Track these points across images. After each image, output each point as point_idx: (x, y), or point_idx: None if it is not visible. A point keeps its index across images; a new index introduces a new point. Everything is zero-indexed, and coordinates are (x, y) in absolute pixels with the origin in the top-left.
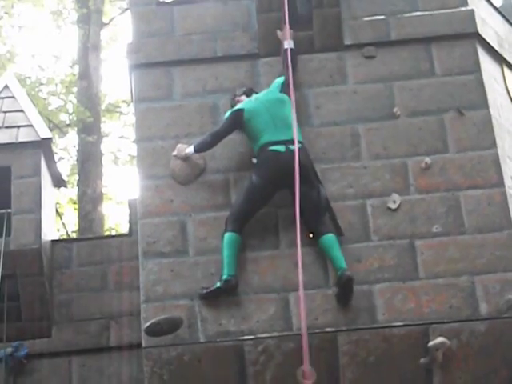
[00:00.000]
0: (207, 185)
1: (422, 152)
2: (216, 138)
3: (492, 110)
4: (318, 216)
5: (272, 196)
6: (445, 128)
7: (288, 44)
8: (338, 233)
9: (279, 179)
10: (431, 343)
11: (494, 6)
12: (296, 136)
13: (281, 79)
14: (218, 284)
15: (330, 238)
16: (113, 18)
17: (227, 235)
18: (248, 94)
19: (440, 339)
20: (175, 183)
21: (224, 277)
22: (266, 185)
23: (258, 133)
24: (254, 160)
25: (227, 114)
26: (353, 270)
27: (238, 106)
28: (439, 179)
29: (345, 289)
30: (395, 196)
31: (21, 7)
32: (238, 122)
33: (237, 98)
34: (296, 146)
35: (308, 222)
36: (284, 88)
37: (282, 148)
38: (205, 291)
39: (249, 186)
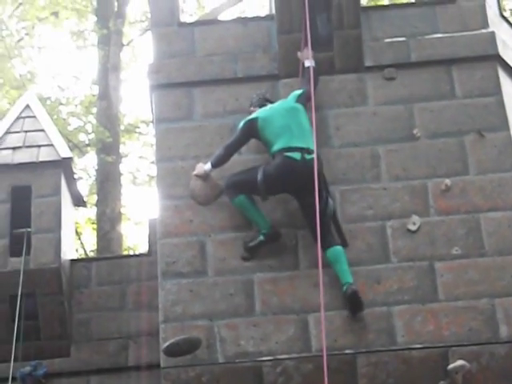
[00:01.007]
0: (226, 205)
1: (442, 174)
2: (230, 150)
3: None
4: (325, 227)
5: (271, 194)
6: (465, 150)
7: (310, 62)
8: (343, 244)
9: (288, 186)
10: (451, 366)
11: None
12: (315, 146)
13: (299, 91)
14: (262, 237)
15: (337, 251)
16: (132, 40)
17: (238, 199)
18: (261, 104)
19: (460, 362)
20: (195, 203)
21: (264, 230)
22: (270, 186)
23: (274, 138)
24: (271, 160)
25: (241, 124)
26: (372, 291)
27: (252, 116)
28: (459, 201)
29: (352, 302)
30: (415, 218)
31: (41, 28)
32: (251, 131)
33: (251, 109)
34: (315, 158)
35: (321, 229)
36: (301, 99)
37: (297, 156)
38: (250, 244)
39: (257, 174)
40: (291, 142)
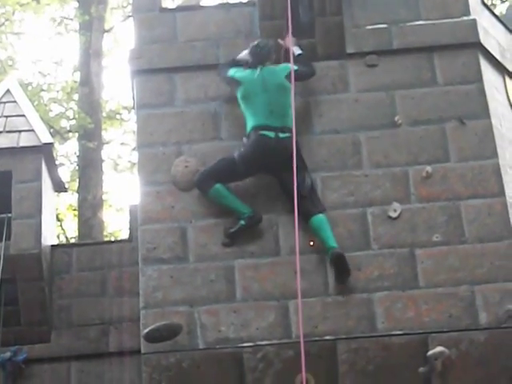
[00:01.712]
0: None
1: (423, 161)
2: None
3: (493, 120)
4: (305, 199)
5: (250, 174)
6: (446, 137)
7: (297, 50)
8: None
9: (263, 164)
10: (430, 352)
11: (496, 16)
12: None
13: (289, 67)
14: (243, 222)
15: (319, 219)
16: (114, 26)
17: (212, 190)
18: (257, 60)
19: (439, 348)
20: (176, 189)
21: (246, 215)
22: (247, 166)
23: (253, 113)
24: (244, 140)
25: (230, 72)
26: (353, 278)
27: (239, 75)
28: (440, 188)
29: (337, 266)
30: (396, 205)
31: (22, 14)
32: (233, 87)
33: (244, 53)
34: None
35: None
36: (290, 77)
37: (271, 134)
38: (231, 230)
39: (230, 159)
40: (268, 121)
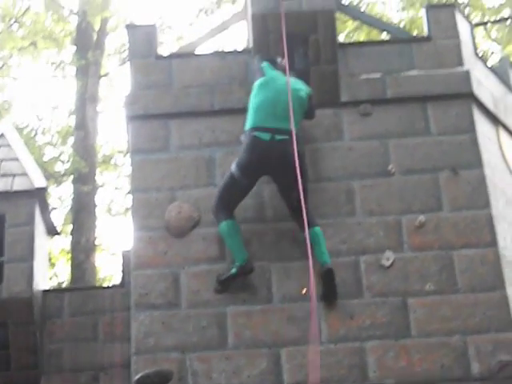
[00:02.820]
0: (201, 237)
1: (417, 210)
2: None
3: (486, 170)
4: (299, 209)
5: (255, 181)
6: (439, 186)
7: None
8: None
9: (260, 167)
10: None
11: (489, 68)
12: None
13: (309, 92)
14: (233, 270)
15: (315, 233)
16: (110, 71)
17: (224, 224)
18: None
19: None
20: (169, 235)
21: (238, 263)
22: (247, 175)
23: (255, 109)
24: (242, 138)
25: (263, 64)
26: (345, 326)
27: (267, 68)
28: (433, 237)
29: (326, 281)
30: (389, 253)
31: (19, 58)
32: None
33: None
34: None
35: (293, 214)
36: (309, 99)
37: (266, 136)
38: (222, 277)
39: (232, 173)
40: (265, 121)
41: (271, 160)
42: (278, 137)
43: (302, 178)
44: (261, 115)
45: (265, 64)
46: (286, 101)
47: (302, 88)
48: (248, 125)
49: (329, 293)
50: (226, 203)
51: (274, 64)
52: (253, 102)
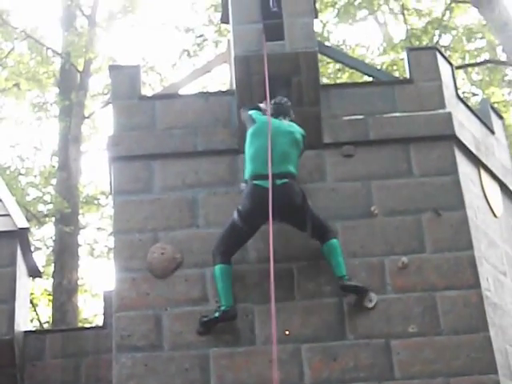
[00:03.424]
0: (184, 279)
1: (399, 251)
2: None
3: (469, 212)
4: (317, 228)
5: (256, 228)
6: (422, 228)
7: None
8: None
9: (260, 215)
10: None
11: (471, 109)
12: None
13: (303, 134)
14: (217, 314)
15: (330, 245)
16: (94, 112)
17: (218, 267)
18: (276, 113)
19: None
20: (152, 276)
21: (222, 308)
22: (249, 220)
23: (253, 157)
24: (243, 186)
25: (250, 112)
26: (328, 368)
27: (257, 116)
28: (416, 279)
29: (351, 293)
30: (372, 295)
31: (3, 99)
32: (247, 126)
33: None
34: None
35: (313, 236)
36: (303, 144)
37: (266, 184)
38: (204, 319)
39: (235, 218)
40: (264, 167)
41: (274, 205)
42: (279, 181)
43: (309, 212)
44: (258, 163)
45: (252, 112)
46: (281, 144)
47: (297, 130)
48: (247, 174)
49: (359, 296)
50: (226, 248)
51: (260, 110)
52: (249, 150)
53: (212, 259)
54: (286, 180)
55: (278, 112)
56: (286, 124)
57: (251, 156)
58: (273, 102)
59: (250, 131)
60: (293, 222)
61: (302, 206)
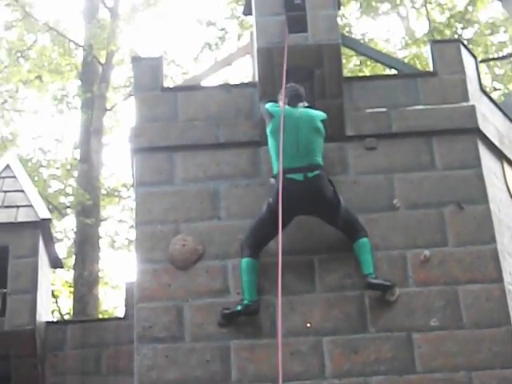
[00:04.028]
0: (205, 270)
1: (421, 244)
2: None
3: (492, 205)
4: (348, 225)
5: (288, 223)
6: (444, 221)
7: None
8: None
9: (295, 208)
10: None
11: (494, 103)
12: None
13: (324, 118)
14: (239, 308)
15: (361, 243)
16: (116, 104)
17: (244, 261)
18: (292, 102)
19: None
20: (173, 268)
21: (245, 302)
22: (283, 211)
23: (279, 153)
24: (272, 180)
25: (267, 106)
26: (350, 361)
27: (273, 109)
28: (438, 272)
29: (377, 290)
30: (394, 288)
31: (25, 91)
32: (266, 121)
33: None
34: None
35: (343, 232)
36: (324, 126)
37: (299, 176)
38: (226, 312)
39: (265, 212)
40: (294, 161)
41: (308, 198)
42: (310, 174)
43: (340, 204)
44: (286, 157)
45: (269, 105)
46: (305, 134)
47: (316, 115)
48: (277, 168)
49: (385, 294)
50: (254, 241)
51: (276, 102)
52: (274, 145)
53: (240, 251)
54: (317, 172)
55: (294, 100)
56: (304, 111)
57: (278, 151)
58: (286, 90)
59: (269, 128)
60: (324, 215)
61: (333, 199)
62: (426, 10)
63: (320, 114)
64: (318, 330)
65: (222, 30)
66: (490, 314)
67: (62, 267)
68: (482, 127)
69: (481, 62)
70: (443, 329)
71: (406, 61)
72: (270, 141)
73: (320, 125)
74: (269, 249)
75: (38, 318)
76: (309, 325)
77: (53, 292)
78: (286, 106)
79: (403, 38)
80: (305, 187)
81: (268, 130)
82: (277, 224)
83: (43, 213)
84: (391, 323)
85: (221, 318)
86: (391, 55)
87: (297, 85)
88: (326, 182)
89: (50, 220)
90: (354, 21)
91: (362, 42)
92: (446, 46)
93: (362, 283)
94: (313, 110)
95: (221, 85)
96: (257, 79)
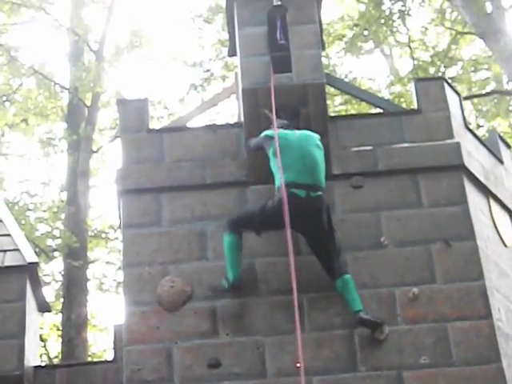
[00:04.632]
0: (193, 312)
1: (410, 282)
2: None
3: (479, 242)
4: (333, 258)
5: (269, 230)
6: (432, 258)
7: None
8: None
9: (292, 222)
10: None
11: (479, 139)
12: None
13: (319, 137)
14: (226, 286)
15: (344, 280)
16: (102, 146)
17: (229, 236)
18: (287, 127)
19: None
20: (161, 310)
21: (230, 279)
22: (273, 222)
23: (284, 168)
24: (275, 192)
25: (262, 135)
26: None
27: (271, 134)
28: (427, 310)
29: (366, 327)
30: (383, 326)
31: (11, 135)
32: (266, 147)
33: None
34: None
35: (324, 265)
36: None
37: (302, 193)
38: (213, 291)
39: (262, 209)
40: (299, 177)
41: (306, 216)
42: (313, 194)
43: (334, 232)
44: (292, 172)
45: (266, 132)
46: (311, 156)
47: (314, 134)
48: (280, 181)
49: (374, 331)
50: (242, 224)
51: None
52: (281, 159)
53: (224, 227)
54: (320, 193)
55: (288, 127)
56: (302, 132)
57: (285, 165)
58: (278, 124)
59: (271, 150)
60: (314, 236)
61: (328, 225)
62: (410, 48)
63: (316, 136)
64: (307, 369)
65: (208, 71)
66: (479, 350)
67: (49, 311)
68: (467, 164)
69: (465, 99)
70: (433, 366)
71: (390, 99)
72: (274, 160)
73: (319, 142)
74: (256, 289)
75: (26, 362)
76: (298, 365)
77: (41, 336)
78: (284, 130)
79: (388, 76)
80: (304, 205)
81: (270, 152)
82: (266, 226)
83: (30, 256)
84: (381, 362)
85: (209, 289)
86: (375, 94)
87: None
88: (324, 205)
89: (37, 264)
90: (338, 60)
91: (346, 80)
92: (429, 83)
93: (351, 322)
94: (308, 131)
95: (207, 126)
96: (242, 119)
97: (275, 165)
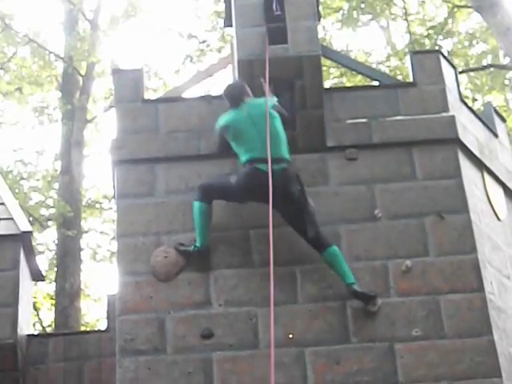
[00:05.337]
0: (187, 282)
1: (403, 255)
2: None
3: (472, 215)
4: (315, 228)
5: (242, 202)
6: (425, 231)
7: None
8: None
9: (258, 197)
10: None
11: (474, 113)
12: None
13: (274, 101)
14: (192, 248)
15: (332, 253)
16: (96, 116)
17: (199, 203)
18: (235, 103)
19: None
20: (155, 280)
21: (197, 245)
22: (242, 194)
23: (246, 149)
24: (241, 169)
25: (216, 130)
26: (332, 372)
27: (223, 122)
28: (419, 283)
29: (359, 300)
30: (376, 299)
31: (5, 103)
32: (225, 137)
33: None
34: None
35: (305, 237)
36: (276, 109)
37: (265, 167)
38: (181, 248)
39: (228, 182)
40: (261, 153)
41: (273, 190)
42: (276, 167)
43: (307, 202)
44: (254, 151)
45: (216, 127)
46: (262, 124)
47: (262, 103)
48: (244, 160)
49: (368, 303)
50: (213, 193)
51: (235, 101)
52: (238, 146)
53: (196, 193)
54: (283, 165)
55: (234, 100)
56: (248, 105)
57: (245, 150)
58: (223, 93)
59: (230, 138)
60: (287, 211)
61: (298, 196)
62: (407, 21)
63: (270, 102)
64: (300, 341)
65: (204, 42)
66: (471, 323)
67: (43, 280)
68: (462, 137)
69: (460, 72)
70: (425, 339)
71: (387, 72)
72: (235, 145)
73: (272, 110)
74: (249, 260)
75: (19, 331)
76: (291, 336)
77: (34, 305)
78: (231, 110)
79: (384, 48)
80: (268, 179)
81: (230, 139)
82: (237, 198)
83: (24, 225)
84: (373, 334)
85: (175, 249)
86: (371, 66)
87: (231, 84)
88: (292, 177)
89: (30, 232)
90: (334, 32)
91: (342, 53)
92: (425, 56)
93: (344, 294)
94: (257, 99)
95: (202, 96)
96: None
97: (238, 147)
